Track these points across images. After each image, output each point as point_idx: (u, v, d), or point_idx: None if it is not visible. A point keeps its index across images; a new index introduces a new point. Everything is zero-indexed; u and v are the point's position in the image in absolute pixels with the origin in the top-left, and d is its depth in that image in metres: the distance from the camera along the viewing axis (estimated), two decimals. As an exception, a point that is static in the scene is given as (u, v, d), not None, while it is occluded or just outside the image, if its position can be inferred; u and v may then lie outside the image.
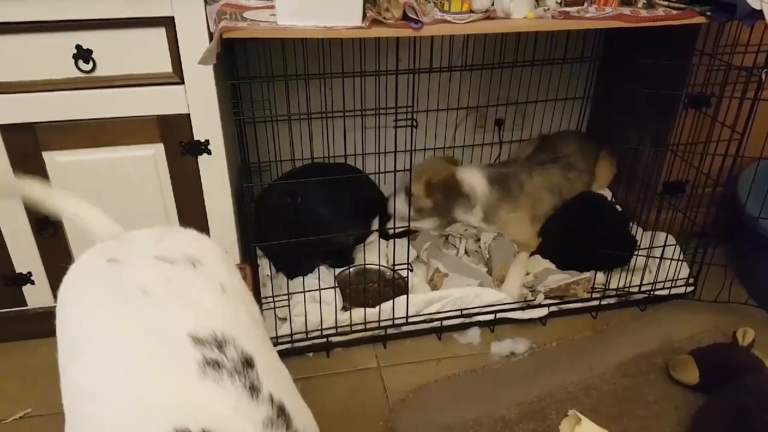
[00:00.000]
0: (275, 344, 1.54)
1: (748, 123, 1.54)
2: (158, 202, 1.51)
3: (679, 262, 1.76)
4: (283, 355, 1.57)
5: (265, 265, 1.73)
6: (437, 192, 1.83)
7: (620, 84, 2.03)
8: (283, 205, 1.80)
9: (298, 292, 1.58)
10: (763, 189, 1.64)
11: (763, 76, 1.46)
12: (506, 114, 2.21)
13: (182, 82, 1.34)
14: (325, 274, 1.74)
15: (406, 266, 1.67)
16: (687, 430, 1.35)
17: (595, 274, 1.75)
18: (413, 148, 1.46)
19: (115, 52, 1.30)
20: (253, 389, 0.58)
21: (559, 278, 1.74)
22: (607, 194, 2.06)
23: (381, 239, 1.99)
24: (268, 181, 1.97)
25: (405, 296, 1.60)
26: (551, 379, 1.53)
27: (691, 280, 1.79)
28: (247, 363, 0.61)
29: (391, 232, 2.02)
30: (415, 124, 1.35)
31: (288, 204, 1.80)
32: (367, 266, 1.72)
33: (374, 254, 1.81)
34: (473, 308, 1.65)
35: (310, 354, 1.59)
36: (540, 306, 1.70)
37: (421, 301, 1.62)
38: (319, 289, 1.55)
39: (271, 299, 1.56)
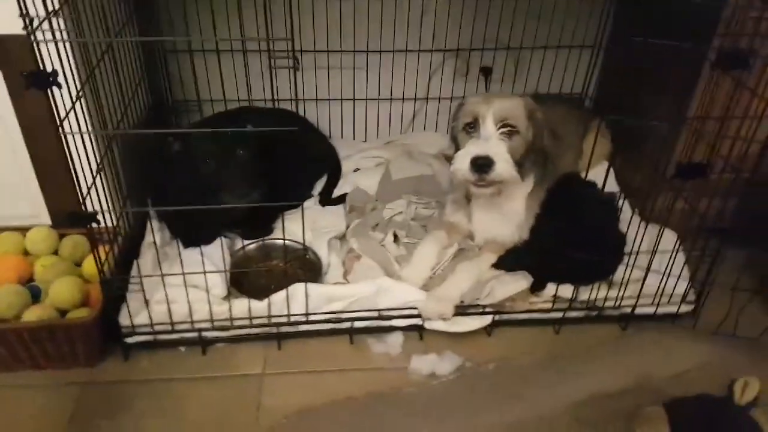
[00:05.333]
0: (131, 335, 1.23)
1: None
2: (5, 149, 1.29)
3: (678, 276, 1.34)
4: (142, 347, 1.23)
5: (153, 230, 1.40)
6: None
7: (638, 31, 1.55)
8: (187, 157, 1.45)
9: (173, 274, 1.22)
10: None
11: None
12: (495, 61, 1.78)
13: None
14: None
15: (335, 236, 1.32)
16: None
17: (556, 288, 1.34)
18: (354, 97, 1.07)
19: None
20: None
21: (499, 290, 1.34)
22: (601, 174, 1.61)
23: (320, 205, 1.65)
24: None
25: (303, 287, 1.26)
26: (478, 416, 1.18)
27: (692, 297, 1.37)
28: None
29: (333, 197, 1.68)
30: (296, 65, 0.95)
31: (197, 157, 1.44)
32: (266, 241, 1.37)
33: (297, 224, 1.44)
34: (392, 310, 1.30)
35: (182, 348, 1.28)
36: (483, 313, 1.33)
37: (319, 295, 1.27)
38: (204, 272, 1.21)
39: (137, 278, 1.23)
